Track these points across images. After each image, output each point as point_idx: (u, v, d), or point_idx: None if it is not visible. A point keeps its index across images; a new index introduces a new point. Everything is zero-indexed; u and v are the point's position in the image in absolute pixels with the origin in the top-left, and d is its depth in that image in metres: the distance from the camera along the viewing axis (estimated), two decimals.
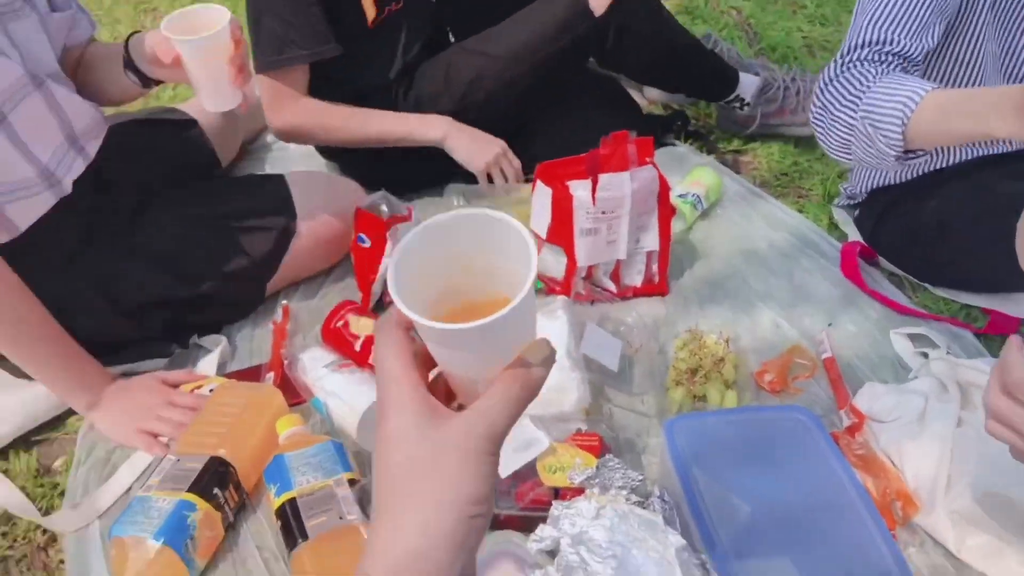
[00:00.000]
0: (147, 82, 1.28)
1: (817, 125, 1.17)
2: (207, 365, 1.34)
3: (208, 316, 1.40)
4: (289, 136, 1.58)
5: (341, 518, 0.98)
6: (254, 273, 1.41)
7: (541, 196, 1.40)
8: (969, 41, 1.20)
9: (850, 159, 1.15)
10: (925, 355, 1.28)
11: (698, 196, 1.60)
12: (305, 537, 0.96)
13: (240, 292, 1.42)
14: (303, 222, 1.43)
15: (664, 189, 1.38)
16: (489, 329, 0.41)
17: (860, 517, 0.99)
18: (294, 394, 1.23)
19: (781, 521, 1.00)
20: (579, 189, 1.34)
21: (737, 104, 1.80)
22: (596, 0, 1.56)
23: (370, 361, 1.23)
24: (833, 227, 1.58)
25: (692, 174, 1.66)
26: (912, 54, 1.13)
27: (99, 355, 1.26)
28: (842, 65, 1.14)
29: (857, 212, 1.49)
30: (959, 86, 1.23)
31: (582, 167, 1.36)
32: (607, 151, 1.34)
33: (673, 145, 1.84)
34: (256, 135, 1.93)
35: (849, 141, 1.11)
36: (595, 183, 1.33)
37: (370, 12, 1.51)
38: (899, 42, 1.12)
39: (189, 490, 1.01)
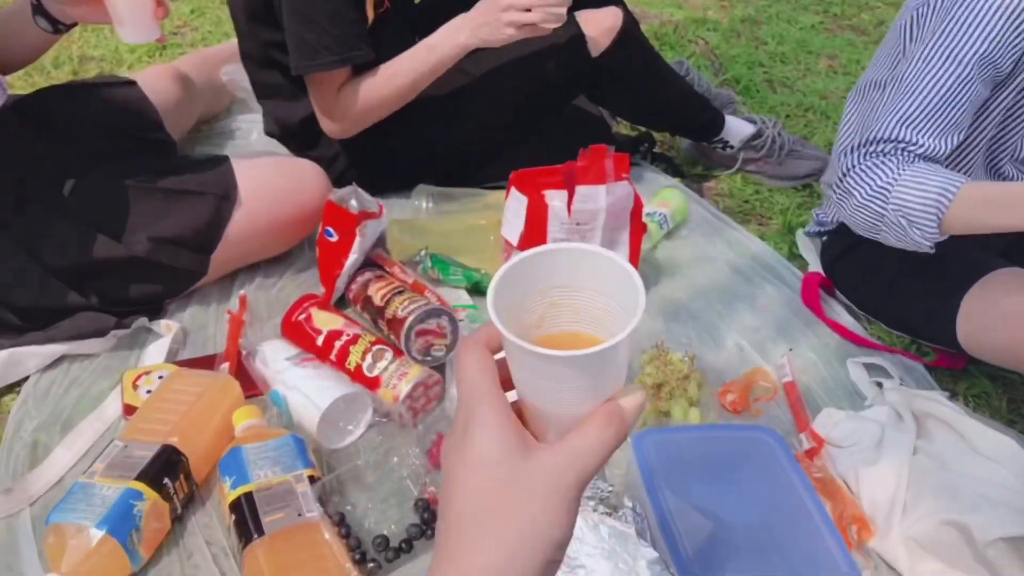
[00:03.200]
0: (57, 27, 1.26)
1: (842, 208, 1.19)
2: (157, 350, 1.27)
3: (146, 286, 1.33)
4: (346, 132, 1.54)
5: (299, 515, 0.94)
6: (193, 240, 1.34)
7: (515, 203, 1.38)
8: (968, 143, 1.24)
9: (878, 239, 1.18)
10: (879, 384, 1.31)
11: (665, 216, 1.62)
12: (261, 533, 0.91)
13: (178, 259, 1.34)
14: (248, 194, 1.37)
15: (638, 206, 1.39)
16: (591, 361, 0.40)
17: (821, 536, 1.01)
18: (250, 386, 1.17)
19: (744, 537, 1.00)
20: (555, 199, 1.33)
21: (719, 145, 1.83)
22: (595, 41, 1.57)
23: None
24: (794, 256, 1.61)
25: (659, 195, 1.68)
26: (936, 154, 1.14)
27: (33, 325, 1.20)
28: (863, 155, 1.16)
29: (824, 240, 1.53)
30: (962, 145, 1.26)
31: (559, 177, 1.36)
32: (584, 163, 1.34)
33: (639, 165, 1.85)
34: (214, 117, 1.87)
35: (878, 226, 1.14)
36: (571, 194, 1.33)
37: (370, 14, 1.50)
38: (924, 143, 1.13)
39: (137, 478, 0.95)
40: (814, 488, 1.09)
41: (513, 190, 1.40)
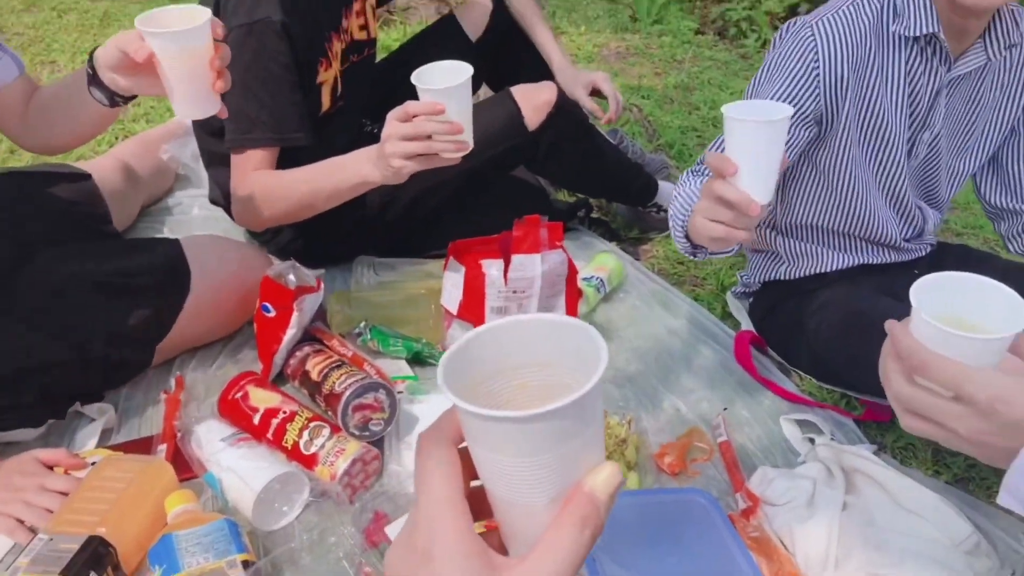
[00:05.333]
0: (114, 100, 1.16)
1: None
2: (88, 435, 1.25)
3: (90, 381, 1.31)
4: (242, 217, 1.50)
5: None
6: (142, 335, 1.34)
7: (453, 273, 1.41)
8: (835, 153, 1.31)
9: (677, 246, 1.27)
10: (812, 441, 1.34)
11: (601, 280, 1.66)
12: None
13: (126, 355, 1.34)
14: (198, 283, 1.37)
15: (572, 273, 1.43)
16: (553, 421, 0.36)
17: None
18: (186, 469, 1.16)
19: None
20: (492, 268, 1.36)
21: (653, 209, 1.90)
22: (531, 116, 1.63)
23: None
24: (727, 315, 1.66)
25: (596, 259, 1.72)
26: None
27: None
28: (687, 172, 1.29)
29: (751, 300, 1.58)
30: (833, 191, 1.35)
31: (495, 247, 1.39)
32: (520, 233, 1.38)
33: (577, 230, 1.90)
34: (157, 200, 1.88)
35: (672, 230, 1.23)
36: (507, 263, 1.36)
37: (326, 103, 1.52)
38: None
39: (62, 574, 0.92)
40: (748, 549, 1.11)
41: (451, 260, 1.43)
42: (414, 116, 1.21)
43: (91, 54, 1.15)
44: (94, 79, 1.15)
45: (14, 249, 1.31)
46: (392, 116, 1.24)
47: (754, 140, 0.95)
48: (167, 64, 1.03)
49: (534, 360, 0.41)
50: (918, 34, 1.19)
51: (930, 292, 0.70)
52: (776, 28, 3.25)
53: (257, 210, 1.45)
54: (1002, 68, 1.29)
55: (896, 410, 0.73)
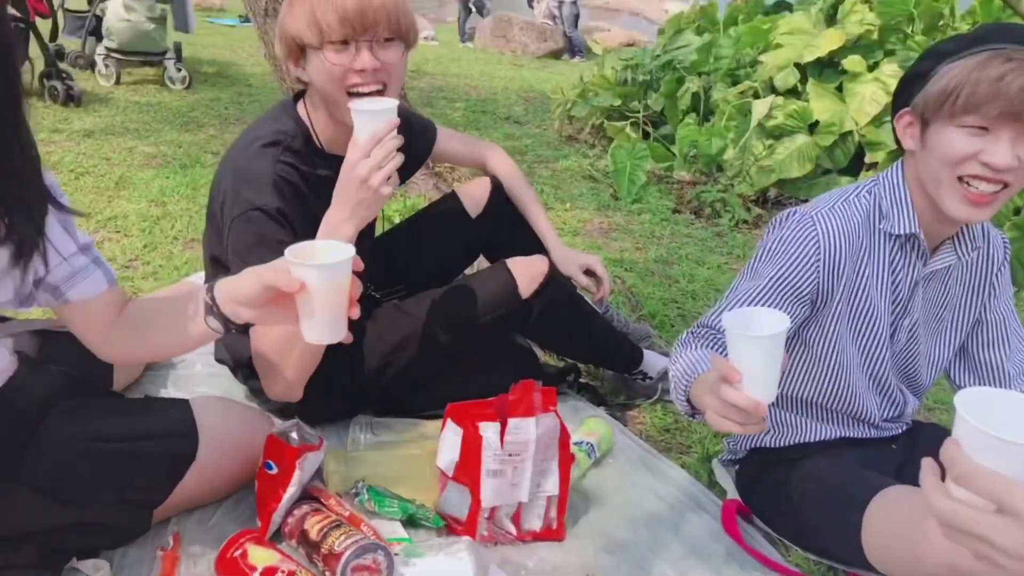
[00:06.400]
0: (229, 327, 1.19)
1: None
2: None
3: (86, 541, 1.32)
4: (276, 385, 1.48)
5: None
6: (144, 500, 1.35)
7: (451, 435, 1.47)
8: (825, 332, 1.42)
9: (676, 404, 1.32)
10: None
11: (592, 445, 1.71)
12: None
13: (126, 519, 1.35)
14: (204, 450, 1.39)
15: (565, 436, 1.49)
16: None
17: None
18: None
19: None
20: (488, 431, 1.42)
21: (639, 376, 1.99)
22: (524, 284, 1.75)
23: None
24: (713, 483, 1.71)
25: (586, 424, 1.78)
26: None
27: None
28: (689, 334, 1.38)
29: (737, 468, 1.64)
30: (819, 366, 1.45)
31: (491, 410, 1.46)
32: (515, 397, 1.45)
33: (566, 394, 1.98)
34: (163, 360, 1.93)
35: (674, 390, 1.30)
36: (504, 426, 1.42)
37: None
38: None
39: None
40: None
41: (449, 422, 1.48)
42: (376, 143, 1.28)
43: (210, 286, 1.19)
44: (211, 309, 1.18)
45: (33, 408, 1.31)
46: (358, 152, 1.30)
47: (756, 351, 1.02)
48: (316, 294, 1.08)
49: None
50: (900, 232, 1.35)
51: (976, 403, 0.71)
52: (748, 209, 3.53)
53: (280, 370, 1.46)
54: (966, 267, 1.45)
55: (938, 525, 0.73)
